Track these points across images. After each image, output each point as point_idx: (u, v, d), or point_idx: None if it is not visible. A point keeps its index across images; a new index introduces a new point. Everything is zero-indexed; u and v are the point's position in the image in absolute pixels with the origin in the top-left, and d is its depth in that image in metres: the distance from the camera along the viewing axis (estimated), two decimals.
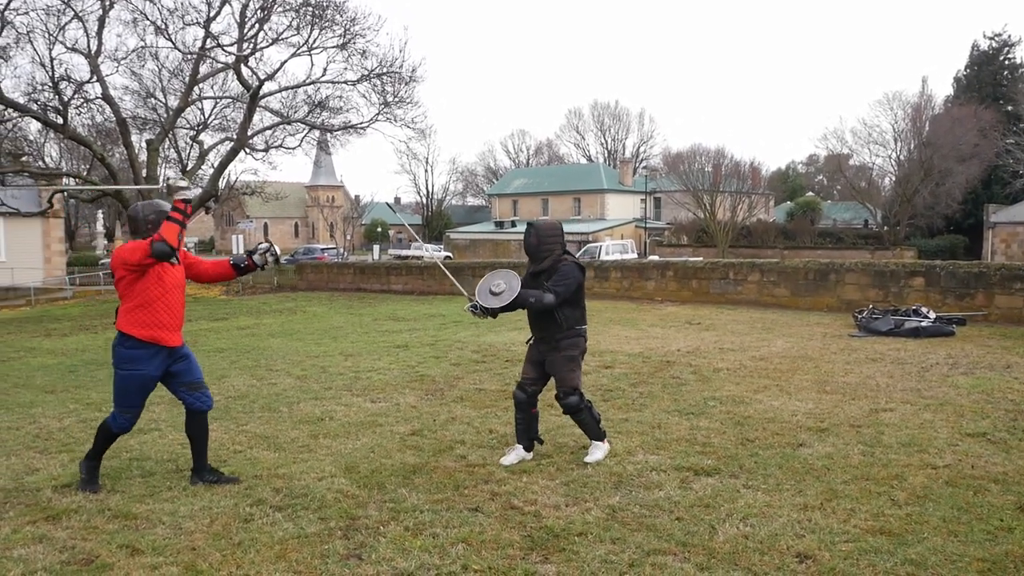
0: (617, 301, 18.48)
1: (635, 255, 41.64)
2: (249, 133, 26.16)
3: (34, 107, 23.87)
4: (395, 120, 27.01)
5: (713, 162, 53.82)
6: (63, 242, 37.41)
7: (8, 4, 21.61)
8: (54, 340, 14.95)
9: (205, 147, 27.89)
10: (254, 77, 25.18)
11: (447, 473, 5.27)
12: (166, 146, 28.77)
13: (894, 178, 53.04)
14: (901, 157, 51.82)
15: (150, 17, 24.83)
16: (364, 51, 25.65)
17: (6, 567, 3.92)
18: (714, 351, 10.47)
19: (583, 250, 38.51)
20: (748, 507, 4.51)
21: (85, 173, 38.42)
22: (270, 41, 25.12)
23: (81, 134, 26.76)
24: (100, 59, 24.15)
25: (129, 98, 28.73)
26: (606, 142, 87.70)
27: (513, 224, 69.33)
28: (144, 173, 25.98)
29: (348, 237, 67.77)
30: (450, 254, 55.39)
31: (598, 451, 5.53)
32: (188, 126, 29.09)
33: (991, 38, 50.23)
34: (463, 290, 6.51)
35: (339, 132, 28.13)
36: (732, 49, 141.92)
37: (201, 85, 26.72)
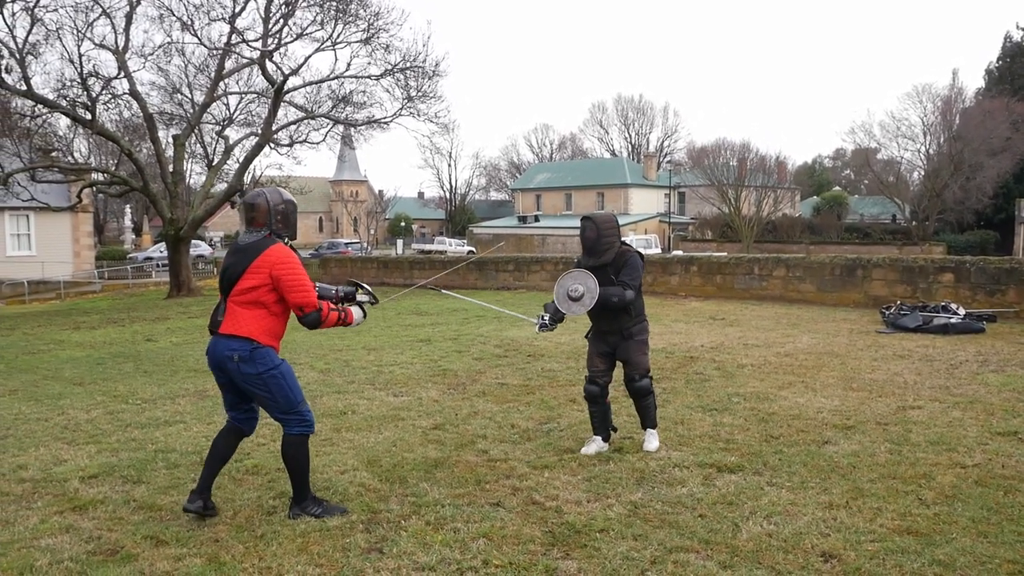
0: None
1: (659, 250, 41.44)
2: (274, 128, 26.28)
3: (63, 103, 24.14)
4: (418, 115, 27.00)
5: (738, 156, 53.40)
6: (92, 236, 37.97)
7: (38, 2, 21.88)
8: (83, 333, 15.15)
9: (230, 142, 28.04)
10: (279, 72, 25.29)
11: (469, 468, 5.27)
12: (192, 141, 28.95)
13: (923, 172, 52.36)
14: (930, 151, 51.13)
15: (176, 13, 25.05)
16: (387, 46, 25.65)
17: (34, 556, 3.97)
18: (738, 347, 10.38)
19: None
20: (772, 505, 4.46)
21: (113, 168, 38.90)
22: (294, 36, 25.19)
23: (109, 129, 27.02)
24: (127, 55, 24.38)
25: (156, 93, 28.99)
26: (630, 136, 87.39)
27: (536, 219, 69.32)
28: (171, 168, 26.24)
29: (372, 232, 68.08)
30: (473, 249, 55.41)
31: (655, 439, 5.65)
32: (214, 121, 29.28)
33: None
34: (522, 316, 6.58)
35: (363, 127, 28.18)
36: (758, 42, 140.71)
37: (226, 80, 26.89)
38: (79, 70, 23.43)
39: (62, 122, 30.07)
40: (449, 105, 69.96)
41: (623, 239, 5.60)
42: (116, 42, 24.04)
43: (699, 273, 18.45)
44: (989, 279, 13.87)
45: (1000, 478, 4.84)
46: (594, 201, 68.28)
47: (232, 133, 28.69)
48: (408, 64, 25.81)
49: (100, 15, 23.45)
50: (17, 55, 21.96)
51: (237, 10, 24.54)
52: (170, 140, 27.74)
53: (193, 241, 31.43)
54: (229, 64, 26.26)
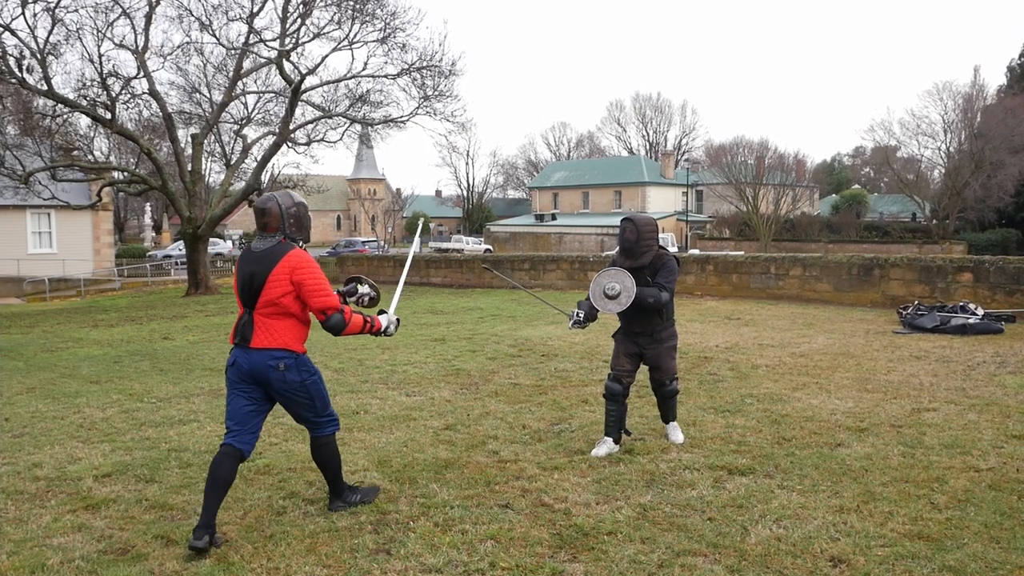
0: None
1: (676, 249, 41.24)
2: (291, 127, 26.41)
3: (83, 103, 24.38)
4: (435, 114, 27.03)
5: (756, 154, 53.17)
6: (112, 234, 38.32)
7: (59, 2, 22.09)
8: (101, 331, 15.30)
9: (248, 141, 28.21)
10: (296, 72, 25.41)
11: (479, 469, 5.28)
12: (210, 140, 29.17)
13: (943, 170, 51.87)
14: (951, 149, 50.62)
15: (195, 13, 25.21)
16: (404, 45, 25.70)
17: (45, 555, 4.02)
18: (753, 347, 10.32)
19: None
20: (782, 508, 4.43)
21: (133, 167, 39.25)
22: (312, 36, 25.29)
23: (128, 129, 27.27)
24: (147, 55, 24.55)
25: (175, 93, 29.22)
26: (648, 134, 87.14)
27: (553, 217, 69.25)
28: (190, 167, 26.44)
29: (389, 230, 68.29)
30: (490, 247, 55.43)
31: (679, 431, 5.85)
32: (232, 120, 29.49)
33: None
34: (561, 309, 6.61)
35: (380, 126, 28.29)
36: (776, 39, 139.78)
37: (244, 80, 27.03)
38: (99, 70, 23.66)
39: (83, 121, 30.41)
40: (466, 104, 70.22)
41: (661, 243, 5.66)
42: (136, 42, 24.23)
43: (715, 272, 18.36)
44: (1009, 279, 13.71)
45: (1014, 482, 4.78)
46: (611, 200, 68.14)
47: (250, 132, 28.91)
48: (424, 63, 25.86)
49: (120, 15, 23.63)
50: (38, 55, 22.18)
51: (255, 10, 24.67)
52: (189, 139, 27.93)
53: (213, 239, 31.62)
54: (247, 64, 26.40)
